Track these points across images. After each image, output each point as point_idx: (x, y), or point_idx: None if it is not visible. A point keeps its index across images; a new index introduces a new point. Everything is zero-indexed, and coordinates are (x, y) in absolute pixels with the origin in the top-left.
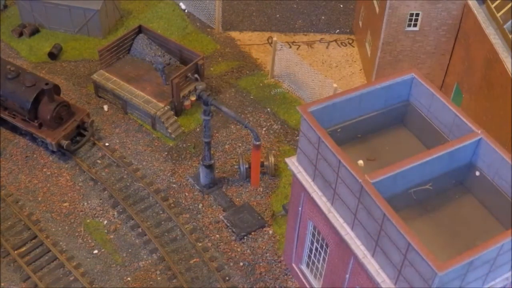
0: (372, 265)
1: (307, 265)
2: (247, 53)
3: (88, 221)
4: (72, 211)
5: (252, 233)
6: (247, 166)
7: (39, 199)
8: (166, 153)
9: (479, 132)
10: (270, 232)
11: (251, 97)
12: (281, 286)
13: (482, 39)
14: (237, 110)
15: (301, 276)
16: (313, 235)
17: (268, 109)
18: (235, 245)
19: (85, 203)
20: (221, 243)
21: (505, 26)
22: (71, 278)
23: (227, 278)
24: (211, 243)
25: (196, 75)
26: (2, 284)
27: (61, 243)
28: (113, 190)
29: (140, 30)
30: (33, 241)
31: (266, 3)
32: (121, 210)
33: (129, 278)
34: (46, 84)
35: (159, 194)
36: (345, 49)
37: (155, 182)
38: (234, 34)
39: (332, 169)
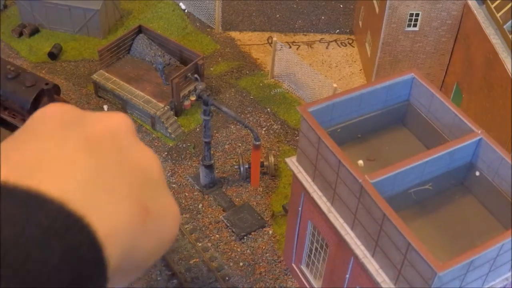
0: (372, 265)
1: (307, 265)
2: (247, 53)
3: None
4: None
5: (252, 233)
6: (247, 166)
7: None
8: (166, 153)
9: (479, 132)
10: (270, 232)
11: (251, 97)
12: (281, 286)
13: (482, 39)
14: (237, 110)
15: (301, 276)
16: (313, 235)
17: (268, 109)
18: (235, 245)
19: None
20: (221, 243)
21: (505, 26)
22: None
23: (227, 278)
24: (211, 243)
25: (196, 75)
26: None
27: None
28: None
29: (140, 30)
30: None
31: (266, 3)
32: None
33: None
34: (46, 84)
35: None
36: (345, 49)
37: None
38: (234, 34)
39: (332, 169)
